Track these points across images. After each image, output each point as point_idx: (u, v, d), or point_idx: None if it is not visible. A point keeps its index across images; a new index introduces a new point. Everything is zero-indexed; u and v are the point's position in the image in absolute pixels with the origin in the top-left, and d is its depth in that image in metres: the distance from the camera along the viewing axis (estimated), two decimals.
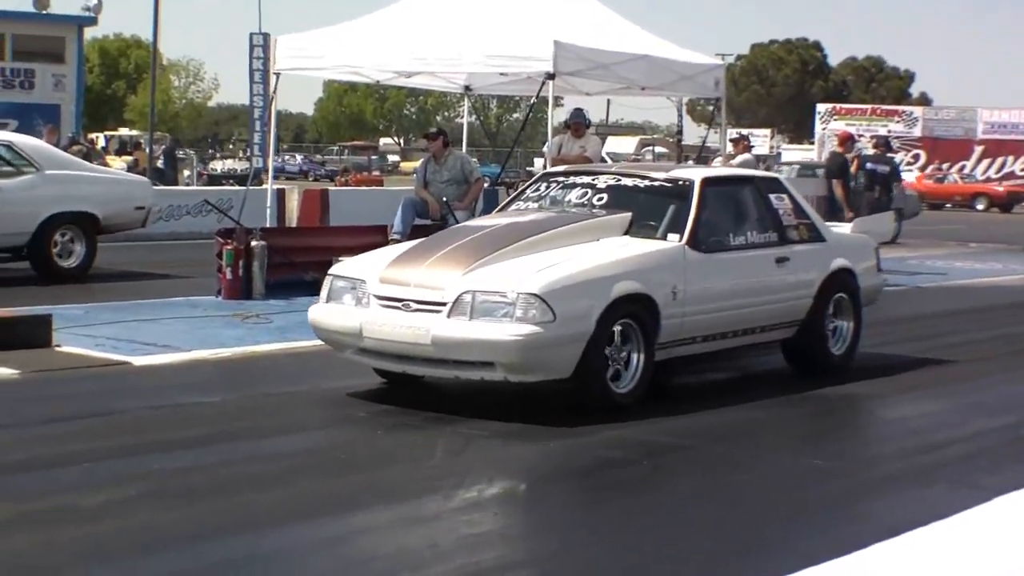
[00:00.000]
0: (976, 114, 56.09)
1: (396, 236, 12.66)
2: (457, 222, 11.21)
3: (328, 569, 4.96)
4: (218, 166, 50.87)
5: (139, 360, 8.96)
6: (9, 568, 4.80)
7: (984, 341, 11.64)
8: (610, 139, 54.18)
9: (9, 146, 13.86)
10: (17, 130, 19.97)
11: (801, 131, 74.62)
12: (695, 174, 8.87)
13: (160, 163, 32.04)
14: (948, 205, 44.98)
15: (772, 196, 9.20)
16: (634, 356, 7.71)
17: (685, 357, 8.42)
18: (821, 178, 22.17)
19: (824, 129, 57.53)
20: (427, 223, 13.08)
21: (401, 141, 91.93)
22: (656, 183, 8.79)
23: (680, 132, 64.09)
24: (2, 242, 13.52)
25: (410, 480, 6.20)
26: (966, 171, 52.92)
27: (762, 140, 62.75)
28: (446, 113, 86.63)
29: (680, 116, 64.35)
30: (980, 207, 45.32)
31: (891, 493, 6.32)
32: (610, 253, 7.94)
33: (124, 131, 54.85)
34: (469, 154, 16.07)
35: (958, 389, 9.25)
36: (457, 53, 13.60)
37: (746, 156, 17.26)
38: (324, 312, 8.02)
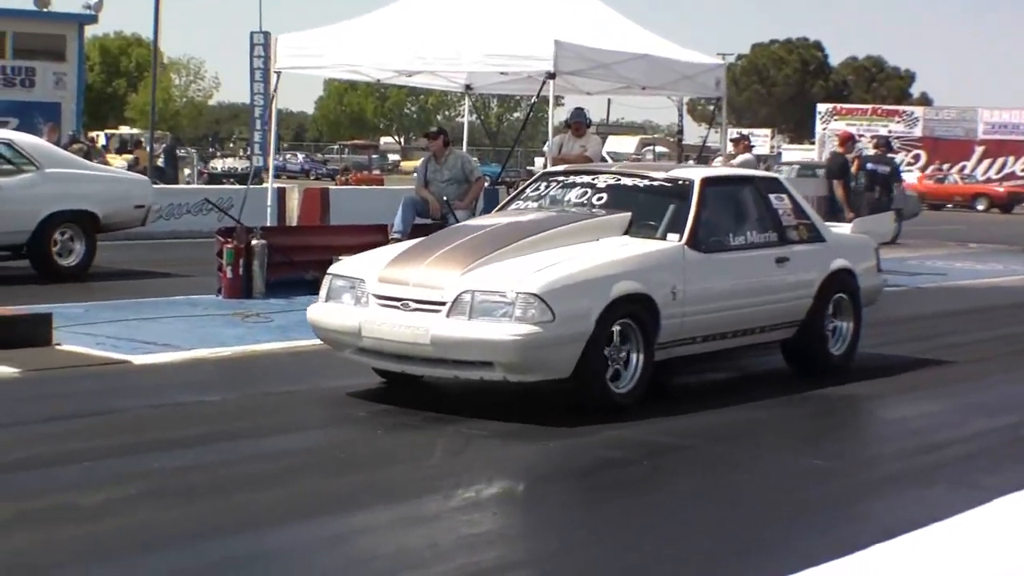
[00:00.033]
0: (977, 114, 56.10)
1: (396, 235, 12.66)
2: (457, 221, 11.21)
3: (328, 568, 4.96)
4: (218, 165, 50.90)
5: (139, 359, 8.96)
6: (9, 566, 4.80)
7: (984, 341, 11.64)
8: (611, 139, 54.11)
9: (9, 144, 13.85)
10: (18, 128, 19.96)
11: (802, 131, 74.60)
12: (695, 174, 8.87)
13: (161, 161, 32.06)
14: (949, 206, 44.98)
15: (772, 196, 9.19)
16: (633, 356, 7.71)
17: (685, 357, 8.42)
18: (821, 178, 22.17)
19: (825, 129, 57.53)
20: (428, 222, 13.08)
21: (401, 140, 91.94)
22: (656, 183, 8.79)
23: (681, 132, 64.09)
24: (2, 240, 13.51)
25: (410, 480, 6.20)
26: (966, 171, 52.93)
27: (763, 140, 62.73)
28: (447, 112, 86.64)
29: (681, 116, 64.35)
30: (980, 207, 45.32)
31: (891, 493, 6.31)
32: (609, 253, 7.93)
33: (125, 129, 54.87)
34: (470, 153, 16.08)
35: (958, 389, 9.25)
36: (458, 52, 13.60)
37: (747, 156, 17.27)
38: (323, 311, 8.01)
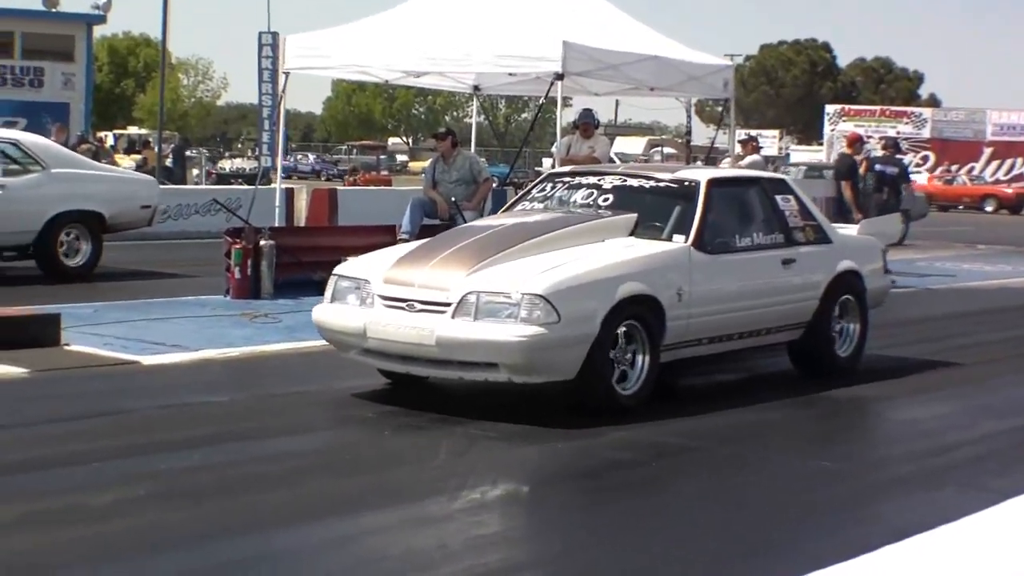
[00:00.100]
0: (985, 116, 56.00)
1: (405, 236, 12.66)
2: (465, 222, 11.20)
3: (337, 569, 4.97)
4: (227, 165, 50.98)
5: (147, 359, 8.97)
6: (18, 567, 4.81)
7: (994, 343, 11.62)
8: (619, 140, 54.17)
9: (15, 144, 13.87)
10: (26, 129, 19.98)
11: (810, 132, 74.52)
12: (701, 175, 8.86)
13: (169, 162, 32.11)
14: (960, 207, 44.89)
15: (778, 197, 9.18)
16: (639, 358, 7.69)
17: (692, 359, 8.41)
18: (829, 179, 22.14)
19: (833, 130, 57.46)
20: (436, 223, 13.08)
21: (410, 141, 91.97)
22: (662, 184, 8.78)
23: (689, 133, 64.10)
24: (8, 241, 13.54)
25: (417, 481, 6.20)
26: (975, 173, 52.83)
27: (771, 141, 62.71)
28: (455, 113, 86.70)
29: (689, 117, 64.41)
30: (989, 209, 45.26)
31: (900, 495, 6.30)
32: (615, 254, 7.92)
33: (133, 130, 54.97)
34: (478, 154, 16.09)
35: (967, 391, 9.24)
36: (466, 53, 13.60)
37: (754, 157, 17.25)
38: (328, 312, 8.01)
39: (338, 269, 8.19)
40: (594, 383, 7.45)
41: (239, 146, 72.65)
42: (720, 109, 23.57)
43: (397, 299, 7.62)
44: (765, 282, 8.74)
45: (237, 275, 12.25)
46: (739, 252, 8.63)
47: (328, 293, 8.08)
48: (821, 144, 61.71)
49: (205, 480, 6.10)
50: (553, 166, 14.03)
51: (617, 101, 69.97)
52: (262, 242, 12.39)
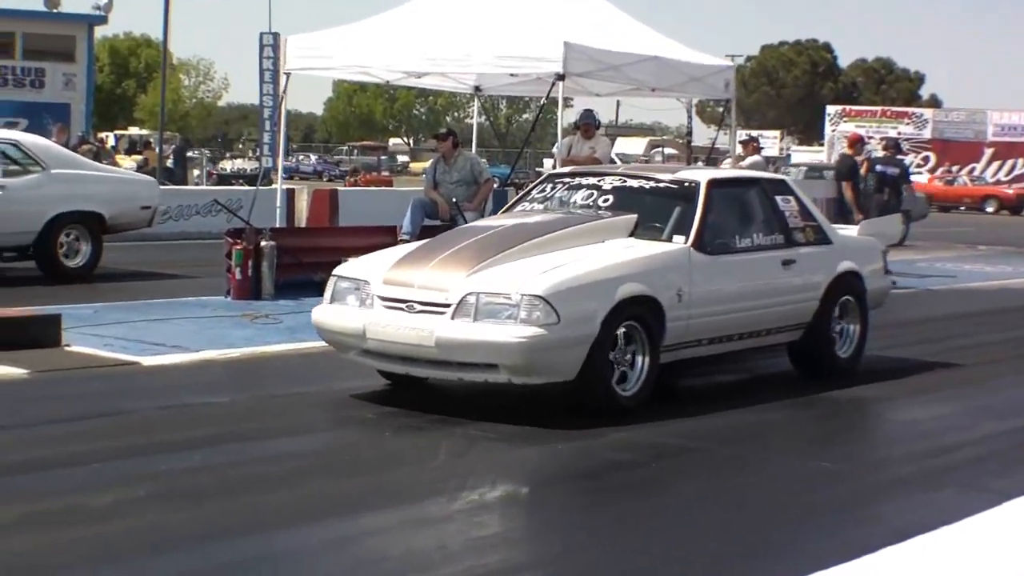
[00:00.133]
0: (986, 116, 56.03)
1: (405, 237, 12.67)
2: (466, 223, 11.20)
3: (337, 570, 4.97)
4: (228, 166, 50.97)
5: (148, 360, 8.98)
6: (18, 568, 4.81)
7: (994, 344, 11.62)
8: (620, 140, 54.17)
9: (15, 145, 13.87)
10: (27, 129, 19.99)
11: (811, 133, 74.52)
12: (701, 176, 8.86)
13: (170, 162, 32.11)
14: (961, 208, 44.89)
15: (778, 198, 9.18)
16: (639, 359, 7.69)
17: (692, 359, 8.41)
18: (830, 180, 22.13)
19: (834, 131, 57.49)
20: (436, 224, 13.08)
21: (410, 141, 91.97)
22: (662, 185, 8.78)
23: (690, 133, 64.10)
24: (8, 241, 13.54)
25: (417, 482, 6.20)
26: (976, 173, 52.84)
27: (772, 142, 62.73)
28: (456, 114, 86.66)
29: (690, 117, 64.42)
30: (990, 209, 45.25)
31: (900, 496, 6.30)
32: (615, 255, 7.92)
33: (134, 130, 54.95)
34: (479, 155, 16.09)
35: (968, 392, 9.24)
36: (467, 54, 13.61)
37: (755, 158, 17.26)
38: (327, 313, 8.01)
39: (337, 270, 8.19)
40: (594, 384, 7.45)
41: (240, 147, 72.64)
42: (721, 110, 23.56)
43: (397, 300, 7.62)
44: (765, 283, 8.74)
45: (238, 276, 12.26)
46: (739, 253, 8.63)
47: (327, 294, 8.07)
48: (822, 145, 61.73)
49: (205, 481, 6.10)
50: (554, 167, 14.02)
51: (618, 102, 70.00)
52: (263, 243, 12.40)
